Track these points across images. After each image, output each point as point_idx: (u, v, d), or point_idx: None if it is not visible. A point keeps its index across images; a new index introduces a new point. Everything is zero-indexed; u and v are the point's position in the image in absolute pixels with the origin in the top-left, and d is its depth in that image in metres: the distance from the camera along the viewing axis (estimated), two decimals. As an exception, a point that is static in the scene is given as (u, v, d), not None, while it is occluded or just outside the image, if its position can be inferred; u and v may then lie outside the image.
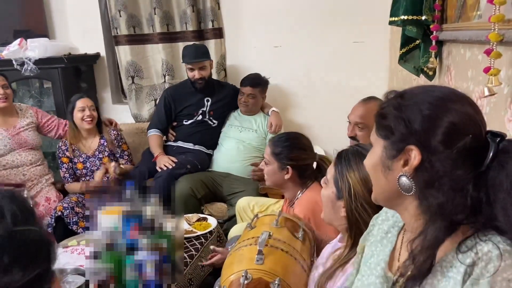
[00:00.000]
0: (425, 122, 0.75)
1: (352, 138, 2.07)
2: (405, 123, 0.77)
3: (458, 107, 0.75)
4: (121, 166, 2.76)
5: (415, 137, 0.76)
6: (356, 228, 1.18)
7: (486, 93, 1.18)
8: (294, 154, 1.83)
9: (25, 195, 0.66)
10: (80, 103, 2.69)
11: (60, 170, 2.77)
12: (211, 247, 1.90)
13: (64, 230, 2.47)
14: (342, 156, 1.26)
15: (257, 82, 3.03)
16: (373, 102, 2.04)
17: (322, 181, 1.35)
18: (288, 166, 1.81)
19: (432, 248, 0.74)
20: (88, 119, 2.69)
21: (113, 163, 2.68)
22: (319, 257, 1.40)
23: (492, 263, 0.68)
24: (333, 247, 1.35)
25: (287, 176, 1.82)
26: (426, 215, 0.77)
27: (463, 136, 0.73)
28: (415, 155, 0.76)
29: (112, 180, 2.69)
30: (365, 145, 1.27)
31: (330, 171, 1.29)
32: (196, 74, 2.96)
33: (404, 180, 0.78)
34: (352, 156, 1.23)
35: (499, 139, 0.73)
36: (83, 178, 2.78)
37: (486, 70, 1.19)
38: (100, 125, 2.82)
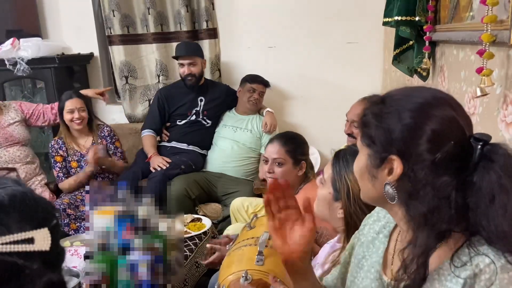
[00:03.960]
0: (405, 131, 0.74)
1: (349, 135, 2.10)
2: (385, 132, 0.76)
3: (439, 113, 0.73)
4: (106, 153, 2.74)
5: (396, 146, 0.75)
6: (353, 230, 1.17)
7: (479, 93, 1.18)
8: (306, 148, 1.87)
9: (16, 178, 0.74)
10: (69, 105, 2.66)
11: (53, 170, 2.75)
12: (208, 245, 1.87)
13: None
14: (340, 157, 1.24)
15: (267, 81, 3.07)
16: None
17: (318, 180, 1.33)
18: (302, 161, 1.82)
19: (423, 256, 0.73)
20: (77, 121, 2.67)
21: (100, 146, 2.67)
22: (317, 258, 1.38)
23: (495, 275, 0.68)
24: (332, 248, 1.32)
25: (300, 173, 1.83)
26: (413, 224, 0.76)
27: (446, 143, 0.72)
28: (397, 165, 0.75)
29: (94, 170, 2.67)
30: None
31: (327, 171, 1.27)
32: (185, 70, 2.96)
33: (388, 189, 0.78)
34: (350, 156, 1.20)
35: (482, 143, 0.71)
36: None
37: (479, 70, 1.19)
38: (91, 123, 2.79)
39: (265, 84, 3.07)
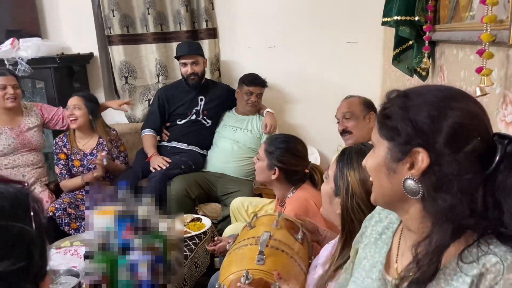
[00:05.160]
0: (433, 122, 0.73)
1: (343, 132, 2.11)
2: (412, 124, 0.74)
3: (464, 106, 0.73)
4: (110, 159, 2.74)
5: (423, 138, 0.73)
6: (349, 227, 1.18)
7: (478, 93, 1.19)
8: (285, 157, 1.84)
9: (27, 193, 0.66)
10: (68, 102, 2.71)
11: (56, 167, 2.75)
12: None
13: (55, 231, 2.45)
14: (345, 154, 1.26)
15: (264, 82, 3.06)
16: (354, 97, 2.21)
17: (323, 176, 1.36)
18: (275, 167, 1.83)
19: (437, 252, 0.72)
20: (71, 118, 2.69)
21: (104, 153, 2.67)
22: (319, 257, 1.39)
23: (501, 275, 0.68)
24: (333, 248, 1.33)
25: (273, 176, 1.85)
26: (432, 218, 0.75)
27: (471, 137, 0.71)
28: (422, 158, 0.73)
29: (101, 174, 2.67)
30: (370, 144, 1.27)
31: (332, 167, 1.29)
32: (188, 69, 2.96)
33: (410, 183, 0.75)
34: (355, 154, 1.23)
35: (506, 141, 0.71)
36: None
37: (479, 70, 1.20)
38: (92, 124, 2.78)
39: (262, 85, 3.04)
